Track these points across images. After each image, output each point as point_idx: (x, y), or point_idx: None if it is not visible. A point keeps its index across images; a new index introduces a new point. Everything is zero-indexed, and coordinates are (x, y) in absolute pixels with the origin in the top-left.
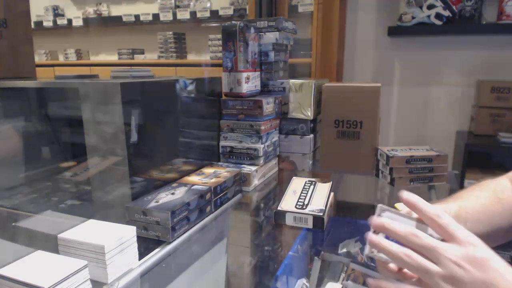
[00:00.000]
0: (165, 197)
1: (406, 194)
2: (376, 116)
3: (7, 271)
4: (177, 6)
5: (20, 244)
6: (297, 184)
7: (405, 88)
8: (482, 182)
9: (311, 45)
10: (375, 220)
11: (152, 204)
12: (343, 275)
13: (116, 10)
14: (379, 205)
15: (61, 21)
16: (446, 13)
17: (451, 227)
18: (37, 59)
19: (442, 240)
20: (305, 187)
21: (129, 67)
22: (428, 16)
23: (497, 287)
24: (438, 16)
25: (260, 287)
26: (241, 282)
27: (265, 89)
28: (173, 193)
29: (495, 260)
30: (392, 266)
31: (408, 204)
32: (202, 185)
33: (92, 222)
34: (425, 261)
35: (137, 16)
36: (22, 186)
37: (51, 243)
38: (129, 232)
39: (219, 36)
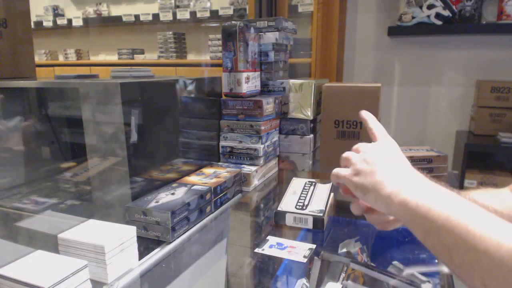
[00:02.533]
0: (165, 197)
1: (363, 113)
2: (376, 116)
3: (7, 271)
4: (177, 6)
5: (20, 244)
6: (297, 184)
7: (405, 88)
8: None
9: (311, 45)
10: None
11: (152, 204)
12: (343, 275)
13: (116, 10)
14: None
15: (61, 21)
16: (446, 13)
17: (373, 130)
18: (37, 59)
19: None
20: (305, 187)
21: (129, 67)
22: (428, 16)
23: (371, 183)
24: (438, 16)
25: (260, 287)
26: (241, 282)
27: (265, 89)
28: (173, 193)
29: (382, 164)
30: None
31: (362, 119)
32: (202, 185)
33: (92, 222)
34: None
35: (137, 16)
36: (22, 186)
37: (51, 243)
38: (129, 232)
39: (219, 36)
